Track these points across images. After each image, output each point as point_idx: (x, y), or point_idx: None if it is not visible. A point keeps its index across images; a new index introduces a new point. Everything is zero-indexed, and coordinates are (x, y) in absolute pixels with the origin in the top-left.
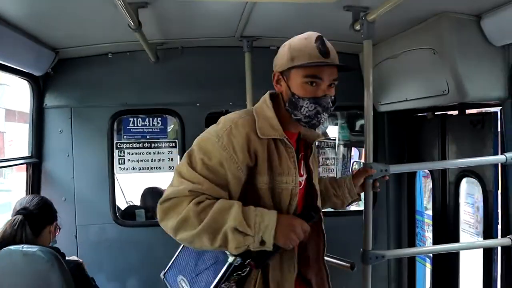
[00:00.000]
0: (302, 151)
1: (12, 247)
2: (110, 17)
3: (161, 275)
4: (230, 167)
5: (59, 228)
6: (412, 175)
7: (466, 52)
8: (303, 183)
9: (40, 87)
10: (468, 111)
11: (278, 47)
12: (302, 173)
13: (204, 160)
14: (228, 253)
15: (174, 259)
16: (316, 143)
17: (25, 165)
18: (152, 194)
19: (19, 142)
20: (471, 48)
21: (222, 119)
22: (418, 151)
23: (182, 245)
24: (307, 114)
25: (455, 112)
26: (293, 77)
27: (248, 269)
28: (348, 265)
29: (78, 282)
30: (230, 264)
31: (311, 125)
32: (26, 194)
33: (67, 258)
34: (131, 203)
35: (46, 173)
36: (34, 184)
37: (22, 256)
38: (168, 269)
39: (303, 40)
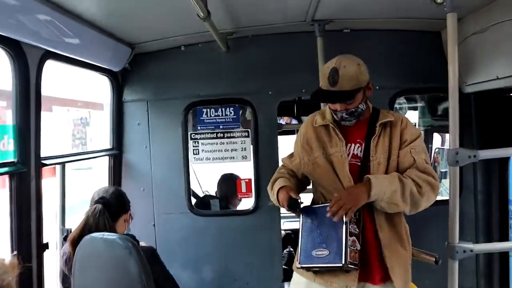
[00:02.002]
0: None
1: (94, 234)
2: (181, 8)
3: (297, 267)
4: (296, 148)
5: (132, 218)
6: (504, 162)
7: None
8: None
9: (119, 82)
10: None
11: (352, 30)
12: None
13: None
14: None
15: (299, 247)
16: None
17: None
18: (229, 181)
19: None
20: None
21: None
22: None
23: (301, 234)
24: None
25: None
26: None
27: (359, 213)
28: (433, 258)
29: (152, 267)
30: None
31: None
32: (109, 184)
33: (141, 244)
34: (207, 193)
35: (126, 164)
36: (115, 174)
37: (103, 242)
38: (299, 257)
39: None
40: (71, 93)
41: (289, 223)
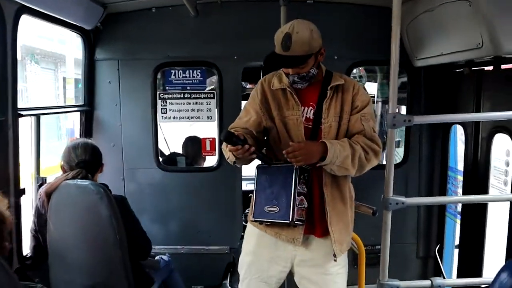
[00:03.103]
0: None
1: (68, 181)
2: None
3: (251, 220)
4: (253, 105)
5: (103, 164)
6: (446, 131)
7: (502, 3)
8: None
9: (91, 40)
10: (504, 66)
11: (315, 1)
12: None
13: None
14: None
15: (253, 202)
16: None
17: None
18: (192, 142)
19: None
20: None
21: None
22: (454, 107)
23: (255, 190)
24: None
25: (492, 68)
26: None
27: (308, 173)
28: (370, 210)
29: (122, 214)
30: (295, 168)
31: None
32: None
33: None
34: (174, 152)
35: (97, 121)
36: (86, 130)
37: (76, 188)
38: (253, 212)
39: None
40: None
41: (252, 185)
